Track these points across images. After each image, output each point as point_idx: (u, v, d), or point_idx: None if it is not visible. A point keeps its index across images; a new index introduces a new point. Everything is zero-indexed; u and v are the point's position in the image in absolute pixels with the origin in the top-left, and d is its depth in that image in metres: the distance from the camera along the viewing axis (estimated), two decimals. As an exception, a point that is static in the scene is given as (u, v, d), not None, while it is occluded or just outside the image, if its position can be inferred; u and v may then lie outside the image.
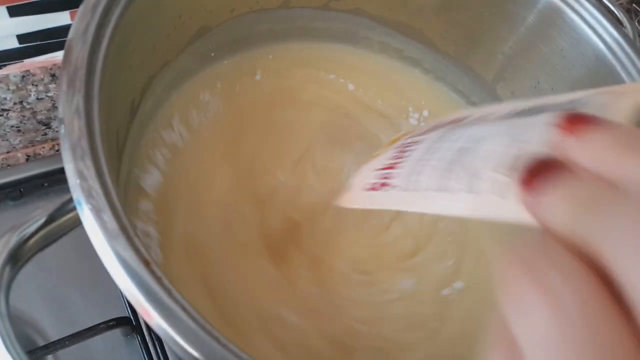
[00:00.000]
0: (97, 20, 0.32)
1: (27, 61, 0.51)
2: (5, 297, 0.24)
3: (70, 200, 0.26)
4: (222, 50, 0.50)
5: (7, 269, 0.25)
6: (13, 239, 0.25)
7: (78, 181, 0.26)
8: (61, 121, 0.28)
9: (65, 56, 0.31)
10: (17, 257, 0.25)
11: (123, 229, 0.25)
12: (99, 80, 0.31)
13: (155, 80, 0.44)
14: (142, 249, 0.24)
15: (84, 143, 0.28)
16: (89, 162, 0.27)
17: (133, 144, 0.41)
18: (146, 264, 0.24)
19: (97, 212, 0.25)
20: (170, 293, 0.24)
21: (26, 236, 0.26)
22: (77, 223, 0.26)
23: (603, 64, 0.45)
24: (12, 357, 0.23)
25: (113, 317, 0.48)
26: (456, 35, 0.54)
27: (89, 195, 0.26)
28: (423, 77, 0.57)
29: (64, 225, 0.27)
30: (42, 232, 0.26)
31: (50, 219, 0.27)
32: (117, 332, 0.50)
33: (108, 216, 0.25)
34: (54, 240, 0.27)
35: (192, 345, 0.24)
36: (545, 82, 0.51)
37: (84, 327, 0.46)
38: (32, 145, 0.58)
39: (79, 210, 0.26)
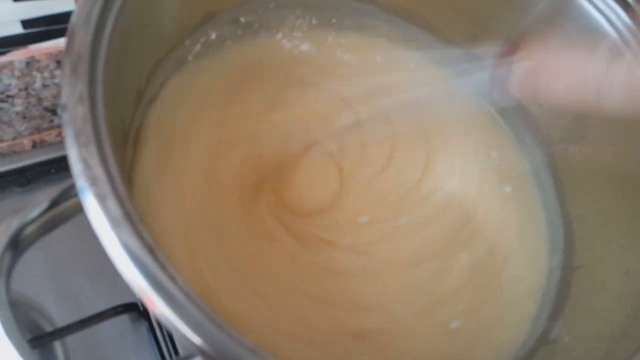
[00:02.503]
0: (101, 4, 0.32)
1: (32, 47, 0.51)
2: (6, 283, 0.24)
3: (74, 185, 0.26)
4: (228, 35, 0.49)
5: (9, 255, 0.24)
6: (14, 224, 0.25)
7: (81, 167, 0.26)
8: (64, 107, 0.28)
9: (68, 41, 0.30)
10: (19, 243, 0.25)
11: (127, 215, 0.24)
12: (103, 65, 0.31)
13: (161, 66, 0.43)
14: (147, 236, 0.24)
15: (88, 129, 0.27)
16: (92, 148, 0.27)
17: (138, 130, 0.41)
18: (151, 250, 0.24)
19: (100, 198, 0.25)
20: (175, 281, 0.23)
21: (28, 221, 0.25)
22: (81, 209, 0.26)
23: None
24: (13, 343, 0.23)
25: (121, 303, 0.48)
26: (464, 24, 0.54)
27: (92, 182, 0.26)
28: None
29: (67, 211, 0.27)
30: (44, 218, 0.26)
31: (53, 204, 0.26)
32: (125, 318, 0.50)
33: (112, 202, 0.24)
34: (57, 226, 0.27)
35: (198, 334, 0.23)
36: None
37: (92, 314, 0.46)
38: (39, 132, 0.58)
39: (81, 196, 0.25)
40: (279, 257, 0.42)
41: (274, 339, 0.38)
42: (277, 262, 0.42)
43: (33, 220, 0.26)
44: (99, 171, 0.25)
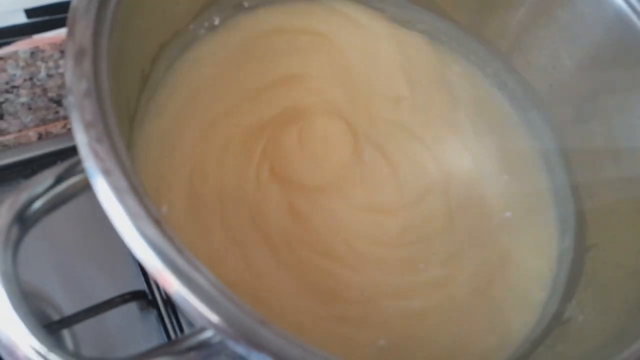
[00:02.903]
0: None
1: (37, 37, 0.51)
2: (13, 257, 0.24)
3: (80, 162, 0.26)
4: (232, 19, 0.49)
5: (15, 229, 0.24)
6: (21, 198, 0.25)
7: (86, 140, 0.26)
8: (69, 91, 0.28)
9: (70, 27, 0.30)
10: (25, 218, 0.25)
11: (133, 187, 0.24)
12: (106, 49, 0.30)
13: (165, 49, 0.43)
14: (153, 208, 0.24)
15: (92, 105, 0.27)
16: (99, 125, 0.27)
17: (143, 113, 0.41)
18: (157, 223, 0.23)
19: (106, 172, 0.24)
20: (183, 253, 0.23)
21: (34, 197, 0.25)
22: (87, 185, 0.26)
23: (624, 22, 0.43)
24: (21, 318, 0.22)
25: (128, 290, 0.47)
26: (469, 3, 0.53)
27: (96, 156, 0.25)
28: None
29: (73, 188, 0.26)
30: (50, 194, 0.26)
31: (59, 180, 0.26)
32: (133, 307, 0.49)
33: (117, 176, 0.24)
34: (63, 203, 0.26)
35: (207, 305, 0.23)
36: (564, 49, 0.49)
37: (99, 301, 0.46)
38: (44, 124, 0.57)
39: (87, 170, 0.25)
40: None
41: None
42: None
43: (39, 196, 0.26)
44: (104, 145, 0.25)
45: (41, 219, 0.26)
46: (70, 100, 0.27)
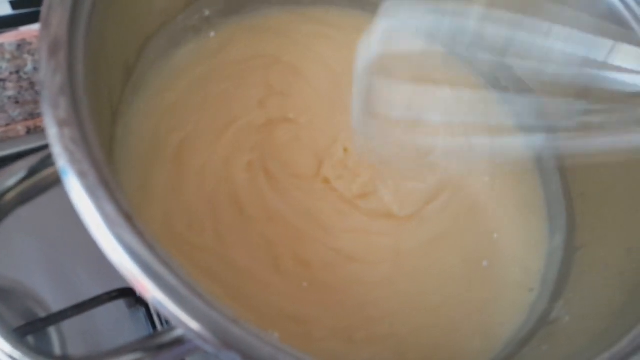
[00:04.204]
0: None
1: (23, 29, 0.50)
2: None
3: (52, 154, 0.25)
4: (222, 12, 0.48)
5: (-15, 222, 0.24)
6: (-9, 191, 0.24)
7: (59, 138, 0.25)
8: (43, 85, 0.27)
9: (44, 15, 0.29)
10: (-3, 209, 0.24)
11: (104, 181, 0.23)
12: (84, 40, 0.30)
13: (151, 42, 0.42)
14: (124, 203, 0.23)
15: (67, 101, 0.26)
16: (73, 123, 0.26)
17: (129, 105, 0.40)
18: (127, 218, 0.22)
19: (80, 173, 0.24)
20: (154, 249, 0.22)
21: (6, 189, 0.25)
22: (60, 178, 0.25)
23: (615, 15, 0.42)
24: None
25: (116, 287, 0.47)
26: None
27: (69, 156, 0.24)
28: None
29: (46, 180, 0.26)
30: (23, 185, 0.25)
31: (32, 173, 0.25)
32: (121, 304, 0.49)
33: (91, 177, 0.23)
34: (36, 195, 0.26)
35: (178, 307, 0.22)
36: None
37: (87, 299, 0.45)
38: (32, 119, 0.57)
39: (60, 169, 0.24)
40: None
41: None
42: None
43: (12, 188, 0.25)
44: (75, 134, 0.24)
45: (14, 211, 0.25)
46: (44, 95, 0.26)
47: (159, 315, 0.48)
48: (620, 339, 0.30)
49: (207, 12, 0.47)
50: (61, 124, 0.26)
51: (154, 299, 0.22)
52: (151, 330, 0.48)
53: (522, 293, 0.44)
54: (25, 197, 0.25)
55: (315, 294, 0.40)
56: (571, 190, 0.47)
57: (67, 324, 0.46)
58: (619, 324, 0.33)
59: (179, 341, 0.24)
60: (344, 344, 0.39)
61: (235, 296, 0.37)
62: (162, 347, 0.23)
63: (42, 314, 0.47)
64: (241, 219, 0.41)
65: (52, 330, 0.47)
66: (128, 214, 0.23)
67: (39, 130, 0.57)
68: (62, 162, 0.25)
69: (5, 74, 0.51)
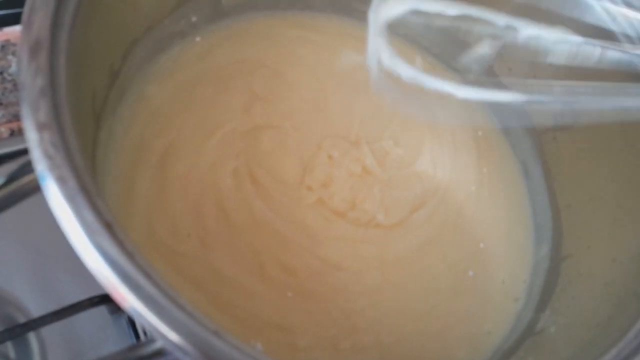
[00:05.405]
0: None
1: (7, 30, 0.49)
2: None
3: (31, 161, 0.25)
4: (208, 17, 0.48)
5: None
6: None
7: (38, 143, 0.24)
8: (23, 87, 0.26)
9: (26, 16, 0.29)
10: (-28, 218, 0.23)
11: (84, 188, 0.23)
12: (66, 43, 0.29)
13: (137, 46, 0.42)
14: (105, 211, 0.23)
15: (47, 104, 0.26)
16: (53, 126, 0.25)
17: (113, 109, 0.39)
18: (107, 225, 0.22)
19: (55, 169, 0.23)
20: (133, 258, 0.22)
21: (-18, 197, 0.24)
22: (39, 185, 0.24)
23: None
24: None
25: (98, 293, 0.46)
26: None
27: (49, 160, 0.24)
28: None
29: (25, 187, 0.25)
30: (1, 193, 0.24)
31: (11, 180, 0.25)
32: (103, 311, 0.48)
33: (67, 173, 0.23)
34: (16, 202, 0.25)
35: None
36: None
37: (68, 304, 0.45)
38: (17, 120, 0.56)
39: (38, 174, 0.24)
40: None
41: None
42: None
43: (-11, 196, 0.24)
44: (55, 138, 0.24)
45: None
46: (23, 97, 0.26)
47: (141, 322, 0.47)
48: (606, 351, 0.30)
49: (193, 18, 0.47)
50: (41, 127, 0.25)
51: (131, 309, 0.22)
52: (134, 336, 0.48)
53: (508, 303, 0.44)
54: (4, 204, 0.24)
55: (300, 303, 0.39)
56: (558, 200, 0.47)
57: (48, 331, 0.45)
58: (605, 335, 0.33)
59: (160, 353, 0.24)
60: (329, 353, 0.38)
61: (220, 305, 0.37)
62: (144, 358, 0.23)
63: (22, 320, 0.46)
64: (226, 226, 0.40)
65: (31, 337, 0.46)
66: (108, 221, 0.22)
67: (23, 133, 0.56)
68: (41, 167, 0.24)
69: (-12, 75, 0.50)
